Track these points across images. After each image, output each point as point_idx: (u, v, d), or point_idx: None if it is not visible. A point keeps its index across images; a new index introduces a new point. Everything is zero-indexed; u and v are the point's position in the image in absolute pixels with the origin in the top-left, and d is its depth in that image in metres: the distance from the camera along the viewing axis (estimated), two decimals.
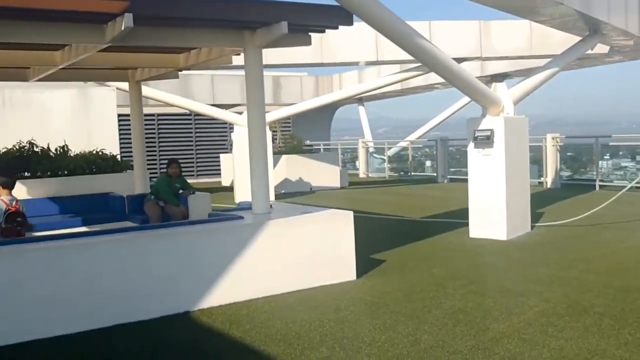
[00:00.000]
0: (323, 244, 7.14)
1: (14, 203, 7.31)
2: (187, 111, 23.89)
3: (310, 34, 7.36)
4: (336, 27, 7.25)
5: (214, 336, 5.49)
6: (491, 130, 9.81)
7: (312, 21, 7.03)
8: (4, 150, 10.52)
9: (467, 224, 10.32)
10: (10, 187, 7.38)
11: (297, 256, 6.94)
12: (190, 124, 26.27)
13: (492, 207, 9.86)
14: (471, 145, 10.02)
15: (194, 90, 23.32)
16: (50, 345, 5.33)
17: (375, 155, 27.74)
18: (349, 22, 7.13)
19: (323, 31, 7.48)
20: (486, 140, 9.85)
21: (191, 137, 26.39)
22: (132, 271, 6.00)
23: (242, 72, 24.13)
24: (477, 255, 8.81)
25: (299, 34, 7.20)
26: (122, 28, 5.86)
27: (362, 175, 26.66)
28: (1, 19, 5.87)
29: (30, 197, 9.62)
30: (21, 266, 5.54)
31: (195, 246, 6.42)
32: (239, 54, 8.32)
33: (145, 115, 10.99)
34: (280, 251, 6.84)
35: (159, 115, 24.65)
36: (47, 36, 6.32)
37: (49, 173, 10.44)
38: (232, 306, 6.33)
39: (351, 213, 7.46)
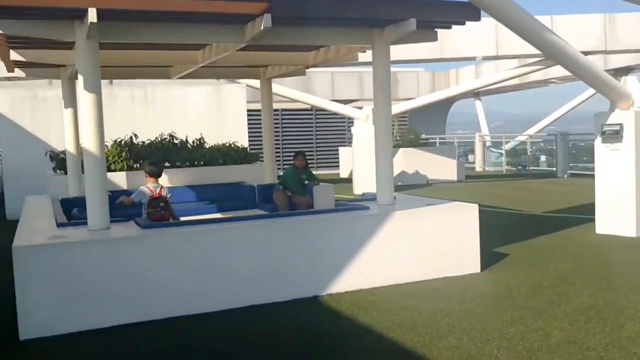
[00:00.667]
0: (447, 235, 7.27)
1: (158, 190, 7.96)
2: (309, 107, 24.60)
3: (436, 29, 7.49)
4: (463, 23, 7.31)
5: (343, 320, 5.76)
6: (620, 124, 9.50)
7: (440, 17, 7.14)
8: (147, 142, 11.45)
9: (592, 220, 10.02)
10: (156, 175, 8.05)
11: (421, 247, 7.11)
12: (311, 118, 27.08)
13: (621, 203, 9.54)
14: (598, 139, 9.75)
15: (315, 87, 23.99)
16: (190, 322, 5.83)
17: (492, 149, 27.25)
18: (477, 18, 7.17)
19: (449, 27, 7.57)
20: (615, 135, 9.54)
21: (312, 131, 27.21)
22: (266, 256, 6.41)
23: (360, 69, 24.45)
24: (605, 251, 8.57)
25: (426, 30, 7.34)
26: (261, 28, 6.22)
27: (478, 168, 26.30)
28: (151, 21, 6.44)
29: (170, 185, 10.41)
30: (168, 247, 6.10)
31: (324, 234, 6.75)
32: (364, 51, 8.58)
33: None
34: (404, 241, 7.04)
35: (282, 110, 25.57)
36: (192, 37, 6.85)
37: (187, 163, 11.29)
38: (357, 293, 6.60)
39: (476, 206, 7.53)
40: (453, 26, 7.63)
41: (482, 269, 7.44)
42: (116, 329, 5.64)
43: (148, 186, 7.89)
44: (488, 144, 27.33)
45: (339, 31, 7.31)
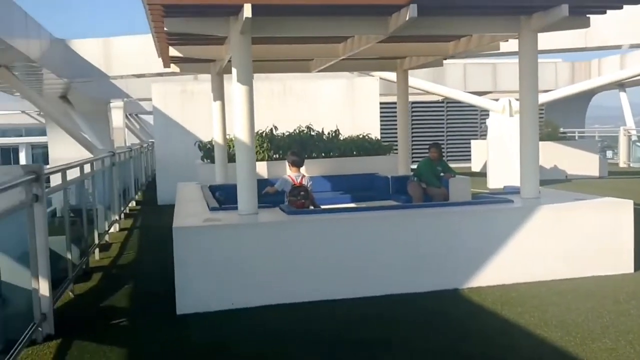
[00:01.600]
0: (598, 232, 6.93)
1: (299, 179, 8.23)
2: (439, 99, 24.25)
3: (588, 15, 7.12)
4: (620, 7, 6.90)
5: (486, 315, 5.68)
6: None
7: (594, 1, 6.78)
8: (286, 134, 11.86)
9: None
10: (298, 165, 8.34)
11: (568, 243, 6.83)
12: (442, 111, 26.69)
13: None
14: None
15: (447, 79, 23.58)
16: (335, 306, 5.99)
17: (638, 143, 25.46)
18: (636, 1, 6.74)
19: (604, 12, 7.17)
20: None
21: (442, 123, 26.83)
22: (405, 246, 6.43)
23: (494, 60, 23.54)
24: None
25: (578, 16, 7.00)
26: (407, 19, 6.21)
27: (622, 164, 24.68)
28: (299, 15, 6.65)
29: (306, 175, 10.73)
30: (312, 233, 6.29)
31: (465, 226, 6.67)
32: (507, 40, 8.34)
33: None
34: (550, 237, 6.79)
35: (412, 103, 25.40)
36: (337, 29, 7.00)
37: (322, 154, 11.57)
38: (499, 287, 6.45)
39: (631, 202, 7.10)
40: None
41: (635, 269, 7.02)
42: (263, 309, 5.92)
43: (290, 175, 8.19)
44: (634, 138, 25.58)
45: (484, 20, 7.16)
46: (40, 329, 5.21)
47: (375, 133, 14.21)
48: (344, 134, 12.39)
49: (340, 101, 15.91)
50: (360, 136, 12.33)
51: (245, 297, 5.99)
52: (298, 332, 5.31)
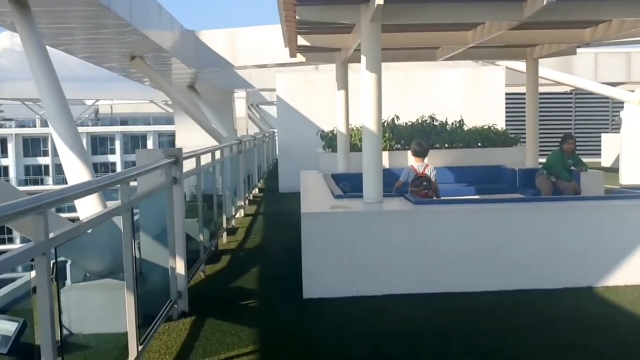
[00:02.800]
0: None
1: (422, 169, 8.11)
2: (567, 90, 23.04)
3: None
4: None
5: (623, 314, 5.36)
6: None
7: None
8: (409, 124, 11.74)
9: None
10: (421, 155, 8.22)
11: None
12: (570, 102, 25.34)
13: None
14: None
15: (576, 68, 22.32)
16: (458, 298, 5.85)
17: None
18: None
19: None
20: None
21: (570, 116, 25.48)
22: (535, 240, 6.16)
23: (628, 49, 21.91)
24: None
25: None
26: (543, 3, 5.93)
27: None
28: (430, 2, 6.52)
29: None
30: (438, 224, 6.18)
31: (602, 221, 6.30)
32: None
33: (524, 93, 11.07)
34: None
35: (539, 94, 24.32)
36: (469, 16, 6.82)
37: (446, 145, 11.34)
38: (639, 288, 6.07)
39: None
40: None
41: None
42: (387, 298, 5.89)
43: (413, 165, 8.09)
44: None
45: (628, 3, 6.69)
46: (176, 306, 5.48)
47: (501, 124, 13.75)
48: (469, 124, 12.08)
49: (464, 91, 15.52)
50: (486, 127, 11.96)
51: (370, 285, 5.99)
52: (423, 323, 5.25)
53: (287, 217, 6.72)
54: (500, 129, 12.12)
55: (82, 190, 3.54)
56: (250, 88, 23.61)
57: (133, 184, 4.48)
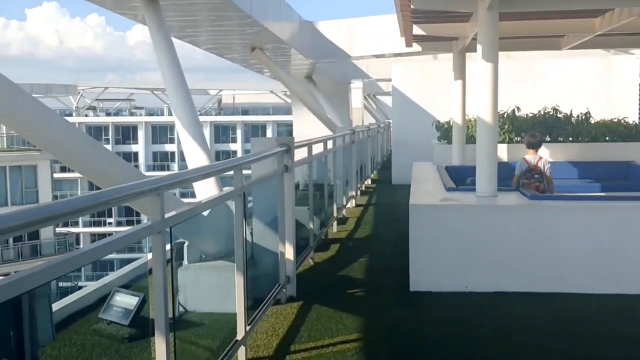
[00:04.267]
0: None
1: (535, 161, 7.79)
2: None
3: None
4: None
5: None
6: None
7: None
8: (530, 116, 11.27)
9: None
10: (534, 147, 7.89)
11: None
12: None
13: None
14: None
15: None
16: (571, 299, 5.55)
17: None
18: None
19: None
20: None
21: None
22: None
23: None
24: None
25: None
26: None
27: None
28: None
29: (550, 160, 10.08)
30: (555, 220, 5.89)
31: None
32: None
33: None
34: None
35: None
36: (594, 2, 6.43)
37: (570, 138, 10.78)
38: None
39: None
40: None
41: None
42: (498, 295, 5.70)
43: (526, 157, 7.82)
44: None
45: None
46: (284, 290, 5.62)
47: (633, 117, 12.87)
48: (595, 117, 11.40)
49: (591, 82, 14.65)
50: (615, 120, 11.24)
51: (480, 281, 5.83)
52: (531, 323, 5.04)
53: (398, 209, 6.67)
54: (631, 122, 11.34)
55: (197, 175, 3.71)
56: (366, 78, 23.62)
57: (247, 172, 4.64)
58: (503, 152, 10.35)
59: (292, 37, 13.67)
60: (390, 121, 20.31)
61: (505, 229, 5.87)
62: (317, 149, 8.11)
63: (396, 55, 15.72)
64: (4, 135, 38.30)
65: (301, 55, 15.01)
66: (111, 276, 7.20)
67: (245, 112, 69.38)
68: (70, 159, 4.76)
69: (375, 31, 15.25)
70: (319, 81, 19.71)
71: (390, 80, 17.08)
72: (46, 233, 32.79)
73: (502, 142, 10.59)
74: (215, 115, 68.27)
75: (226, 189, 5.03)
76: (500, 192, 6.47)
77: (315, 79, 19.55)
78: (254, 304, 4.84)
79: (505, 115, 11.13)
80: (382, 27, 14.70)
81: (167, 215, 2.98)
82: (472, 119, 11.02)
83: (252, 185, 5.03)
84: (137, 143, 62.00)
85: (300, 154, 7.26)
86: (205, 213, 5.10)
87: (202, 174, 3.92)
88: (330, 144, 9.07)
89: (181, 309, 5.05)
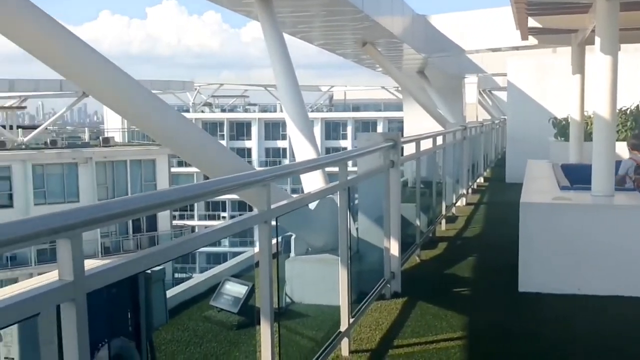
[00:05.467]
0: None
1: None
2: None
3: None
4: None
5: None
6: None
7: None
8: None
9: None
10: (638, 148, 7.47)
11: None
12: None
13: None
14: None
15: None
16: None
17: None
18: None
19: None
20: None
21: None
22: None
23: None
24: None
25: None
26: None
27: None
28: None
29: None
30: None
31: None
32: None
33: None
34: None
35: None
36: None
37: None
38: None
39: None
40: None
41: None
42: (613, 299, 5.42)
43: (632, 157, 7.41)
44: None
45: None
46: (388, 285, 5.63)
47: None
48: None
49: None
50: None
51: (594, 284, 5.56)
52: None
53: (511, 208, 6.45)
54: None
55: (302, 167, 3.81)
56: (481, 73, 23.02)
57: (354, 168, 4.70)
58: (623, 150, 9.77)
59: (404, 31, 13.57)
60: (506, 117, 19.68)
61: (623, 229, 5.57)
62: (426, 145, 8.02)
63: (513, 48, 15.22)
64: (125, 130, 40.73)
65: (413, 49, 14.87)
66: (222, 266, 7.52)
67: (356, 108, 69.65)
68: (187, 152, 5.02)
69: (491, 24, 14.82)
70: (432, 76, 19.44)
71: (506, 74, 16.57)
72: (164, 225, 34.52)
73: (624, 140, 9.96)
74: (326, 111, 69.04)
75: (331, 184, 5.12)
76: (617, 192, 6.14)
77: (428, 73, 19.30)
78: (358, 297, 4.90)
79: (628, 112, 10.48)
80: (498, 20, 14.26)
81: (273, 206, 3.08)
82: (592, 115, 10.47)
83: (358, 180, 5.08)
84: (250, 139, 63.93)
85: (409, 150, 7.23)
86: (312, 207, 5.22)
87: (307, 167, 4.02)
88: (439, 140, 8.94)
89: (287, 299, 5.21)
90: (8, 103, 43.84)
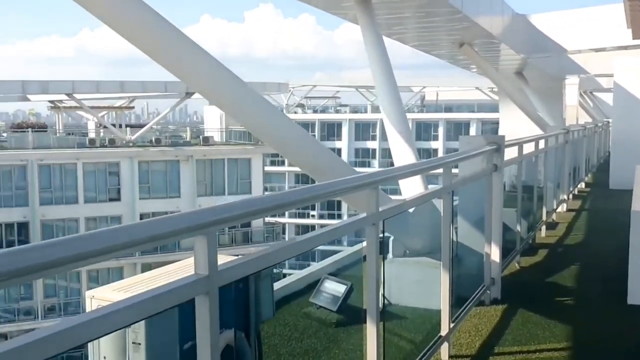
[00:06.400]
0: None
1: None
2: None
3: None
4: None
5: None
6: None
7: None
8: None
9: None
10: None
11: None
12: None
13: None
14: None
15: None
16: None
17: None
18: None
19: None
20: None
21: None
22: None
23: None
24: None
25: None
26: None
27: None
28: None
29: None
30: None
31: None
32: None
33: None
34: None
35: None
36: None
37: None
38: None
39: None
40: None
41: None
42: None
43: None
44: None
45: None
46: (488, 292, 5.53)
47: None
48: None
49: None
50: None
51: None
52: None
53: (615, 215, 6.19)
54: None
55: (409, 171, 3.82)
56: (583, 74, 22.07)
57: (454, 170, 4.65)
58: None
59: (503, 31, 13.22)
60: (609, 120, 18.80)
61: None
62: (527, 148, 7.79)
63: (619, 48, 14.50)
64: (223, 130, 42.16)
65: (512, 50, 14.46)
66: (321, 264, 7.61)
67: (448, 109, 68.53)
68: (290, 152, 5.14)
69: (595, 22, 14.20)
70: (530, 77, 18.84)
71: (611, 75, 15.82)
72: (256, 222, 35.42)
73: None
74: (418, 112, 68.36)
75: (431, 187, 5.09)
76: None
77: (526, 74, 18.72)
78: (457, 302, 4.85)
79: None
80: (603, 19, 13.65)
81: (381, 209, 3.11)
82: None
83: (461, 184, 5.02)
84: (340, 140, 64.28)
85: (507, 153, 7.05)
86: (411, 209, 5.21)
87: (413, 170, 4.02)
88: (541, 144, 8.67)
89: (385, 300, 5.22)
90: (118, 103, 46.47)
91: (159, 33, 3.89)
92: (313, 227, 45.14)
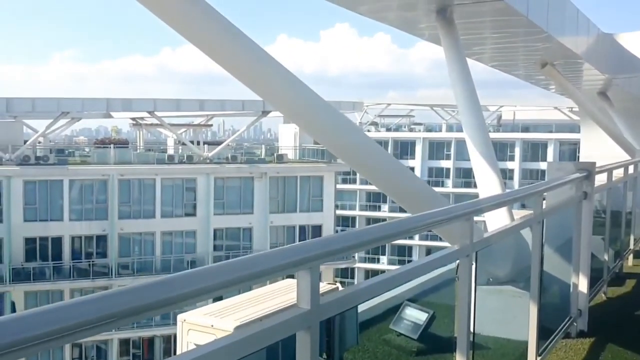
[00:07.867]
0: None
1: None
2: None
3: None
4: None
5: None
6: None
7: None
8: None
9: None
10: None
11: None
12: None
13: None
14: None
15: None
16: None
17: None
18: None
19: None
20: None
21: None
22: None
23: None
24: None
25: None
26: None
27: None
28: None
29: None
30: None
31: None
32: None
33: None
34: None
35: None
36: None
37: None
38: None
39: None
40: None
41: None
42: None
43: None
44: None
45: None
46: (575, 324, 5.32)
47: None
48: None
49: None
50: None
51: None
52: None
53: None
54: None
55: (502, 200, 3.74)
56: None
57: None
58: None
59: (587, 50, 12.81)
60: None
61: None
62: (616, 174, 7.48)
63: None
64: (297, 147, 42.66)
65: (596, 70, 13.98)
66: (400, 289, 7.47)
67: (525, 129, 66.81)
68: (379, 180, 5.12)
69: None
70: (615, 98, 18.15)
71: None
72: None
73: None
74: (494, 131, 67.00)
75: (517, 213, 4.94)
76: None
77: (611, 95, 18.04)
78: (542, 334, 4.67)
79: None
80: None
81: (475, 240, 3.04)
82: None
83: (551, 212, 4.86)
84: (414, 158, 63.70)
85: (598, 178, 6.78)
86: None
87: (505, 200, 3.93)
88: (631, 169, 8.31)
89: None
90: (196, 121, 47.88)
91: (241, 50, 3.97)
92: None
